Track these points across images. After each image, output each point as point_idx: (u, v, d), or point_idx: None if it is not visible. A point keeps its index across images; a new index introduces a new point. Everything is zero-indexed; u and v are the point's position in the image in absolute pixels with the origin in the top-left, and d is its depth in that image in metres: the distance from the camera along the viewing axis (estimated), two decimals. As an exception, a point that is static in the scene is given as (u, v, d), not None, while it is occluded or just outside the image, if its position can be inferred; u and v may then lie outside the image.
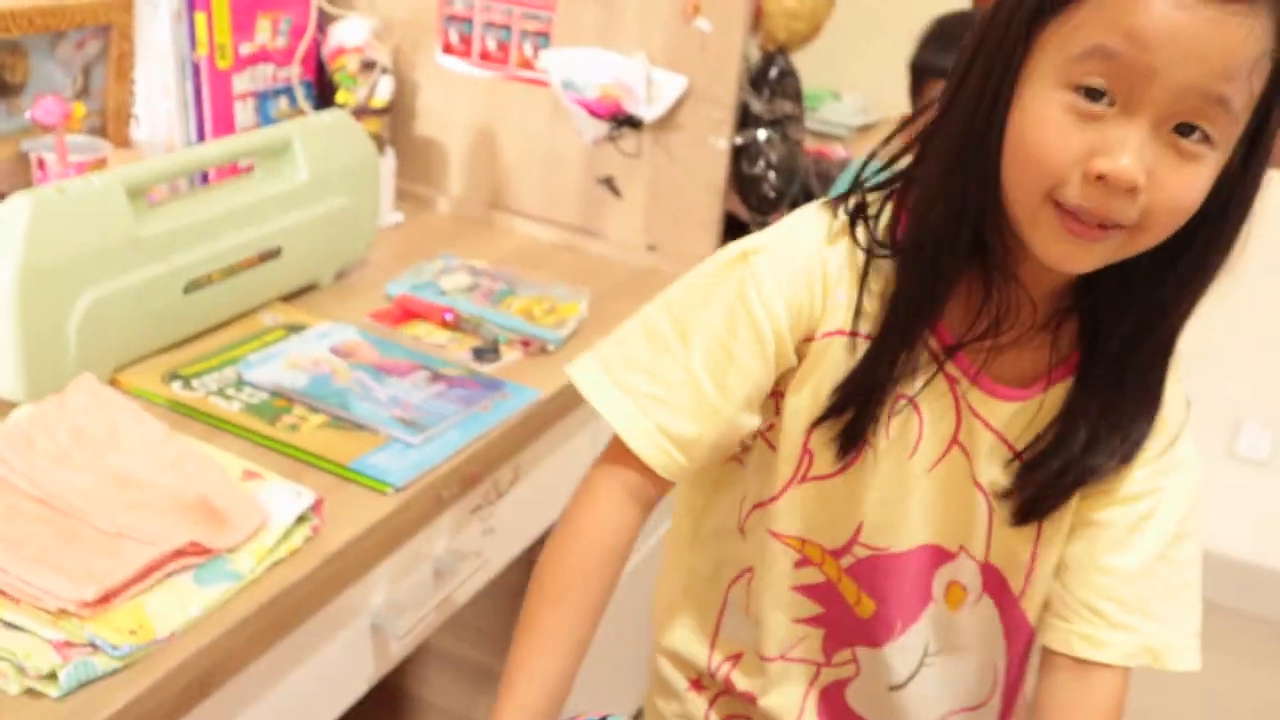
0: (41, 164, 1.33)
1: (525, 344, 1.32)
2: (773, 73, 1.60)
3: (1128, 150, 0.71)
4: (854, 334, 0.83)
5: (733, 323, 0.83)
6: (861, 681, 1.00)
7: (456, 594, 1.17)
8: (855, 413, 0.84)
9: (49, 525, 0.86)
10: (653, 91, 1.49)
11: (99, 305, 1.09)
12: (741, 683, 1.00)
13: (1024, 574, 0.91)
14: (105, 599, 0.81)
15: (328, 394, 1.14)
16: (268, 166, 1.30)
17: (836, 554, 0.92)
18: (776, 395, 0.88)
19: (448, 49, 1.65)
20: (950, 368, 0.84)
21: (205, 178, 1.43)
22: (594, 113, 1.52)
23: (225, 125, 1.51)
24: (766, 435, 0.90)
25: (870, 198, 0.85)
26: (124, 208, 1.11)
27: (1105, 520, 0.88)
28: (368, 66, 1.58)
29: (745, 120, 1.50)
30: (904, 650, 0.96)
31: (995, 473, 0.88)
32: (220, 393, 1.14)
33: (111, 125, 1.45)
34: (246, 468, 0.98)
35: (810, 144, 1.72)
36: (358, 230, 1.42)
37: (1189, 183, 0.73)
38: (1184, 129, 0.71)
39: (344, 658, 1.05)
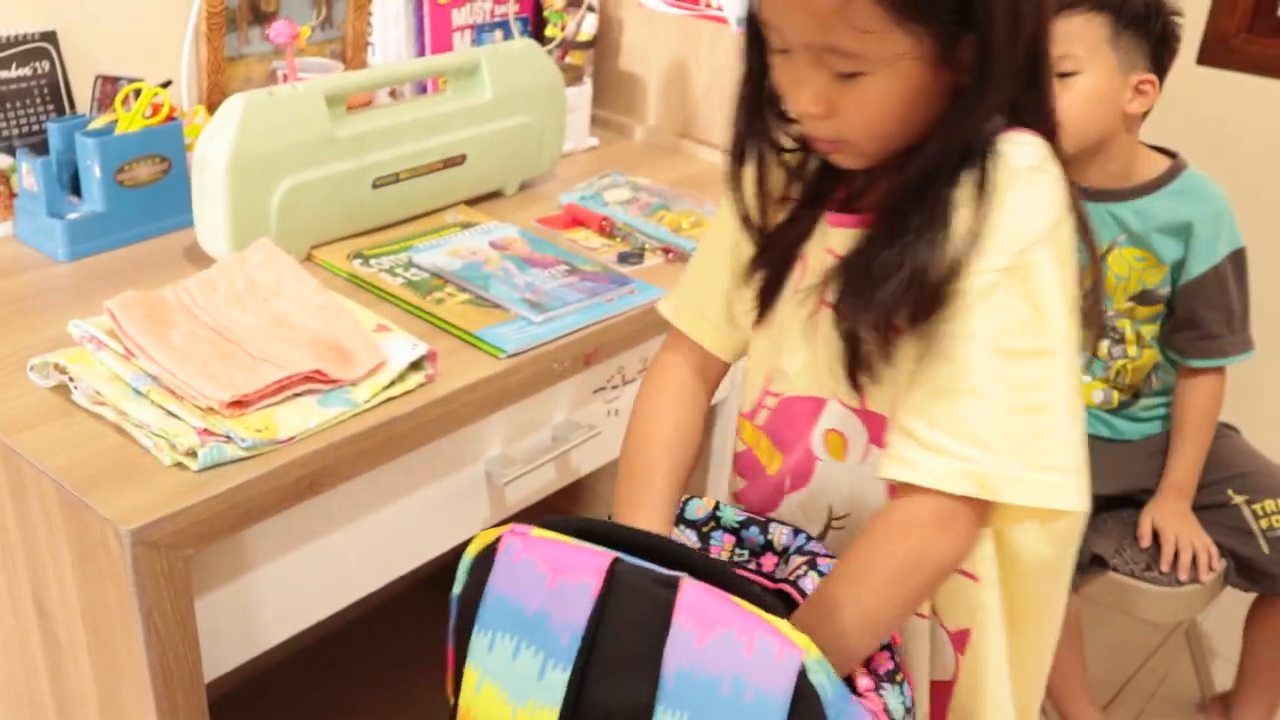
0: (286, 79, 1.59)
1: (667, 251, 1.45)
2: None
3: (797, 85, 0.85)
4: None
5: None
6: None
7: (572, 457, 1.33)
8: (768, 262, 0.99)
9: (214, 347, 1.08)
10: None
11: (297, 190, 1.32)
12: None
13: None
14: (242, 404, 1.03)
15: (475, 277, 1.33)
16: (458, 86, 1.50)
17: (750, 415, 1.06)
18: None
19: (650, -11, 1.79)
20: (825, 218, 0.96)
21: (425, 90, 1.65)
22: (762, 46, 1.63)
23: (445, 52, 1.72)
24: None
25: None
26: (322, 111, 1.34)
27: (933, 332, 0.81)
28: (574, 3, 1.76)
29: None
30: (804, 509, 1.01)
31: (833, 291, 0.90)
32: (390, 270, 1.35)
33: (350, 50, 1.70)
34: (379, 322, 1.18)
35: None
36: (540, 146, 1.59)
37: (859, 100, 0.83)
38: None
39: (458, 496, 1.24)
